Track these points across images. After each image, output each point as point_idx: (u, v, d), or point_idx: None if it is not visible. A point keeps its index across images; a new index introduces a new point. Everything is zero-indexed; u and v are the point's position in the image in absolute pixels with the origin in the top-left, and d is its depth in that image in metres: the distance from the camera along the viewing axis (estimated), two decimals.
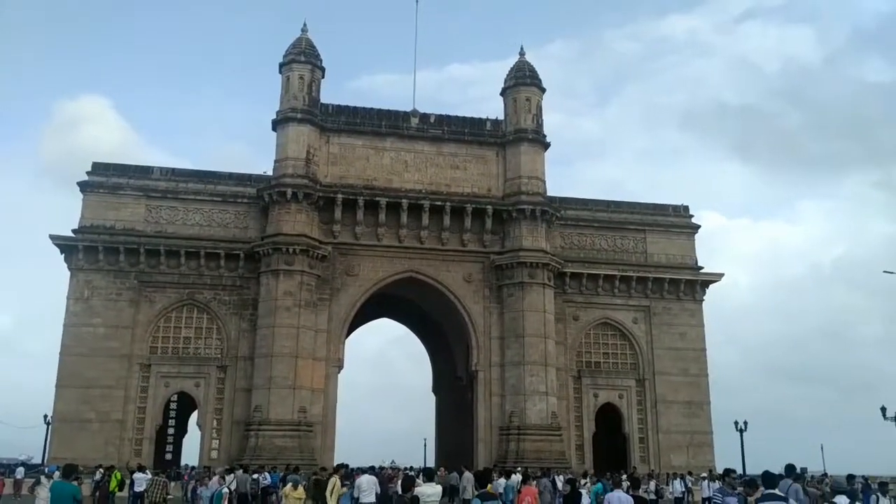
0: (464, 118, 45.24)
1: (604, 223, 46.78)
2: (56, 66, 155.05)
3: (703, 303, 46.56)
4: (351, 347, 45.36)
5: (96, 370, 38.66)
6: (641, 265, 45.95)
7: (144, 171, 42.77)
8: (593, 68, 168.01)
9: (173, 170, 43.53)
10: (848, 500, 13.66)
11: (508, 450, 39.85)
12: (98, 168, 42.11)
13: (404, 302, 49.60)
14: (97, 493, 29.60)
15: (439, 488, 14.34)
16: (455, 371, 48.87)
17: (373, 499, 20.65)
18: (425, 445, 67.03)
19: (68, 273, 40.17)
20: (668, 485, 35.54)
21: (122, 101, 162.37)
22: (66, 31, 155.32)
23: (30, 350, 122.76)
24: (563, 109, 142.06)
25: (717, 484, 24.95)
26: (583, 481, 28.44)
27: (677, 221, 48.07)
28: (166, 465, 38.16)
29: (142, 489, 26.70)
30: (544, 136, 44.84)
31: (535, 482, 25.82)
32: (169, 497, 25.27)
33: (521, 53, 46.95)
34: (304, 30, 44.42)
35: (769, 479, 12.18)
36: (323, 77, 43.78)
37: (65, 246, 40.03)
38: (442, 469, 33.80)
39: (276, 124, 42.30)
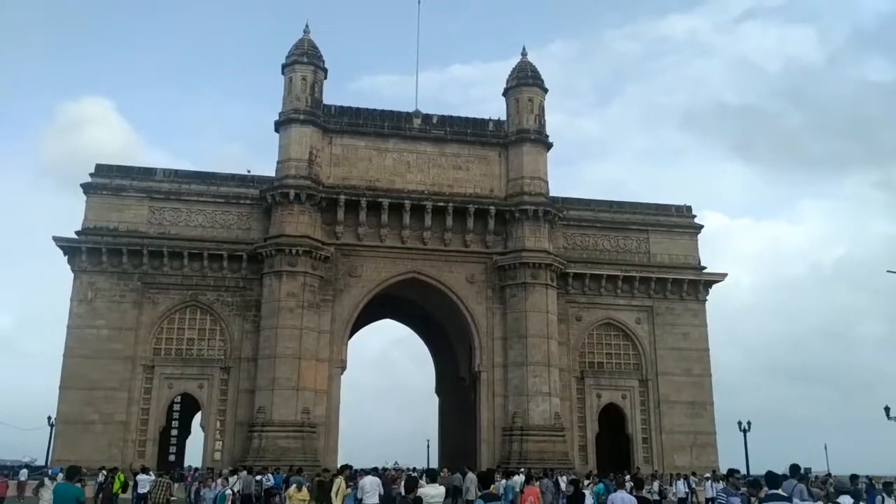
0: (466, 119, 45.26)
1: (606, 223, 46.73)
2: (58, 67, 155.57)
3: (706, 303, 46.52)
4: (354, 348, 45.38)
5: (100, 372, 38.70)
6: (644, 265, 45.90)
7: (147, 173, 42.83)
8: (594, 68, 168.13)
9: (176, 171, 43.61)
10: (852, 501, 13.66)
11: (512, 451, 39.81)
12: (101, 170, 42.19)
13: (407, 303, 49.60)
14: (100, 495, 29.59)
15: (442, 489, 14.33)
16: (458, 372, 48.84)
17: (376, 500, 20.66)
18: (428, 446, 66.90)
19: (71, 275, 40.22)
20: (671, 485, 35.49)
21: (124, 101, 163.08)
22: (69, 33, 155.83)
23: (31, 351, 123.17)
24: (564, 109, 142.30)
25: (721, 484, 24.93)
26: (586, 482, 28.38)
27: (680, 221, 48.01)
28: (170, 466, 38.16)
29: (145, 491, 26.73)
30: (547, 137, 44.82)
31: (537, 483, 25.80)
32: (172, 499, 25.28)
33: (523, 54, 46.97)
34: (306, 31, 44.48)
35: (772, 479, 12.16)
36: (325, 78, 43.81)
37: (68, 247, 40.09)
38: (445, 470, 33.77)
39: (279, 125, 42.35)
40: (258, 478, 30.65)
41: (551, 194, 44.33)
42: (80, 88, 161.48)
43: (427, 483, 15.11)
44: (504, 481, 27.67)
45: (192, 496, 31.29)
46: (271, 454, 36.70)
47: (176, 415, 40.92)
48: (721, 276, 47.03)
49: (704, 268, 47.01)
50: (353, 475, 25.05)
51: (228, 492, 25.33)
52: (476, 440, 42.00)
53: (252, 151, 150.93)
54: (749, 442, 48.63)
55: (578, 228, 46.34)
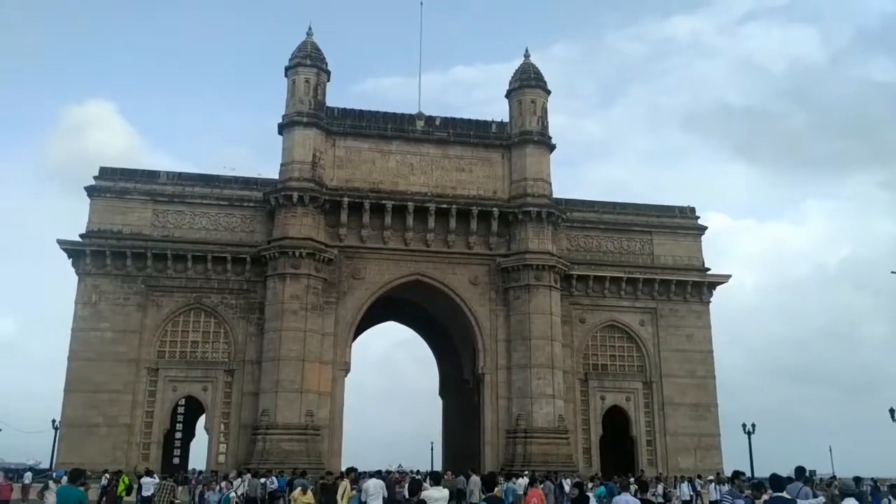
0: (469, 120, 45.25)
1: (610, 225, 46.64)
2: (62, 71, 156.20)
3: (710, 304, 46.40)
4: (357, 351, 45.36)
5: (104, 375, 38.74)
6: (648, 267, 45.80)
7: (151, 176, 42.91)
8: (597, 70, 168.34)
9: (180, 174, 43.67)
10: (857, 503, 13.56)
11: (515, 453, 39.74)
12: (105, 173, 42.26)
13: (410, 305, 49.58)
14: (104, 498, 29.60)
15: (446, 492, 14.30)
16: (461, 374, 48.77)
17: (380, 503, 20.63)
18: (432, 449, 66.94)
19: (76, 278, 40.32)
20: (675, 488, 35.40)
21: (128, 105, 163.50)
22: (72, 37, 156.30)
23: (34, 354, 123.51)
24: (567, 111, 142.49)
25: (726, 487, 24.87)
26: (590, 485, 28.36)
27: (684, 223, 47.91)
28: (174, 469, 38.17)
29: (149, 494, 26.73)
30: (550, 138, 44.78)
31: (540, 485, 25.77)
32: (176, 502, 25.32)
33: (526, 55, 46.91)
34: (309, 33, 44.51)
35: (776, 482, 12.14)
36: (328, 80, 43.84)
37: (72, 250, 40.16)
38: (449, 473, 33.80)
39: (282, 128, 42.39)
40: (262, 480, 30.65)
41: (554, 196, 44.28)
42: (84, 92, 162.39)
43: (431, 486, 15.10)
44: (505, 484, 27.66)
45: (196, 499, 31.29)
46: (275, 457, 36.70)
47: (180, 417, 40.84)
48: (725, 278, 46.91)
49: (708, 269, 46.89)
50: (357, 478, 25.03)
51: (232, 495, 25.39)
52: (480, 442, 41.94)
53: (256, 154, 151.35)
54: (753, 444, 48.60)
55: (582, 230, 46.26)
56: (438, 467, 54.21)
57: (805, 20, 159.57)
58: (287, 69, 43.29)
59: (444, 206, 42.07)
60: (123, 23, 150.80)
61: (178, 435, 41.31)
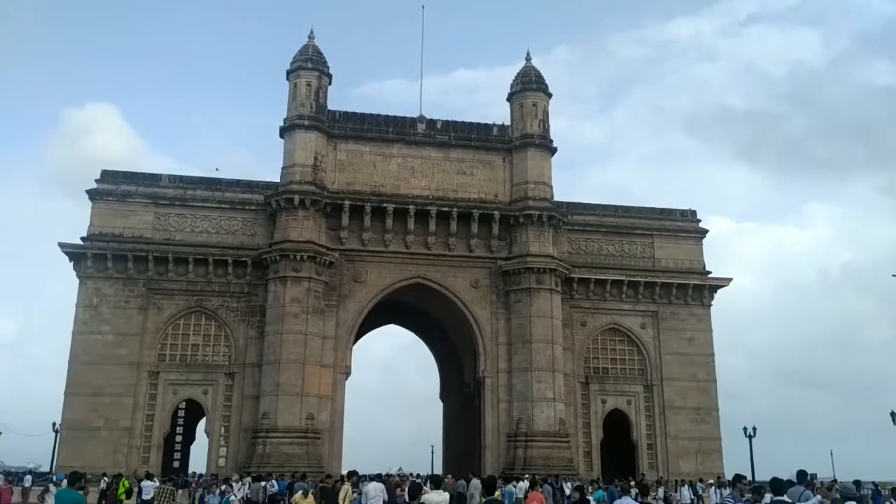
0: (470, 124, 45.28)
1: (611, 228, 46.62)
2: (64, 74, 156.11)
3: (711, 308, 46.36)
4: (358, 354, 45.35)
5: (105, 378, 38.73)
6: (649, 270, 45.78)
7: (153, 179, 42.94)
8: (598, 73, 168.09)
9: (181, 177, 43.72)
10: None
11: (516, 456, 39.70)
12: (107, 176, 42.29)
13: (411, 308, 49.57)
14: (103, 502, 29.61)
15: (447, 495, 14.29)
16: (462, 377, 48.76)
17: None
18: (432, 452, 66.84)
19: (77, 281, 40.32)
20: (676, 492, 35.36)
21: (130, 108, 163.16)
22: (74, 40, 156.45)
23: (35, 357, 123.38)
24: (569, 114, 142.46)
25: (727, 490, 24.84)
26: (590, 489, 28.33)
27: (685, 226, 47.90)
28: (174, 472, 38.11)
29: (149, 497, 26.74)
30: (551, 142, 44.81)
31: (540, 489, 25.75)
32: None
33: (528, 59, 46.95)
34: (310, 37, 44.57)
35: (777, 485, 12.11)
36: (330, 84, 43.89)
37: (74, 254, 40.17)
38: (449, 476, 33.69)
39: (284, 131, 42.44)
40: (263, 484, 30.63)
41: (556, 199, 44.28)
42: (86, 95, 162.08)
43: (431, 489, 15.10)
44: (503, 487, 27.65)
45: (197, 503, 31.27)
46: (276, 460, 36.68)
47: (180, 421, 40.83)
48: (726, 281, 46.90)
49: (709, 272, 46.87)
50: (358, 481, 25.01)
51: (233, 498, 25.34)
52: (480, 446, 41.90)
53: (257, 157, 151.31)
54: (754, 447, 48.45)
55: (583, 233, 46.24)
56: (439, 471, 54.09)
57: (807, 23, 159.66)
58: (289, 72, 43.35)
59: (446, 209, 42.08)
60: (125, 26, 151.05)
61: (179, 438, 41.27)
